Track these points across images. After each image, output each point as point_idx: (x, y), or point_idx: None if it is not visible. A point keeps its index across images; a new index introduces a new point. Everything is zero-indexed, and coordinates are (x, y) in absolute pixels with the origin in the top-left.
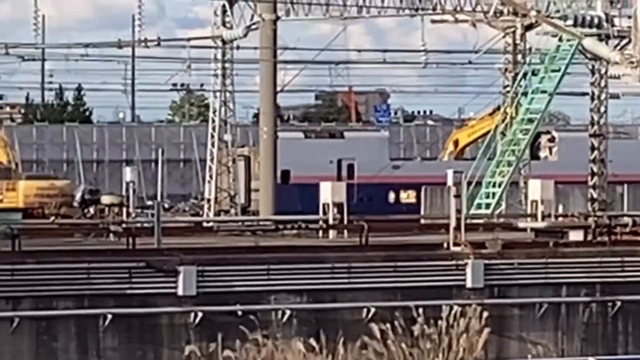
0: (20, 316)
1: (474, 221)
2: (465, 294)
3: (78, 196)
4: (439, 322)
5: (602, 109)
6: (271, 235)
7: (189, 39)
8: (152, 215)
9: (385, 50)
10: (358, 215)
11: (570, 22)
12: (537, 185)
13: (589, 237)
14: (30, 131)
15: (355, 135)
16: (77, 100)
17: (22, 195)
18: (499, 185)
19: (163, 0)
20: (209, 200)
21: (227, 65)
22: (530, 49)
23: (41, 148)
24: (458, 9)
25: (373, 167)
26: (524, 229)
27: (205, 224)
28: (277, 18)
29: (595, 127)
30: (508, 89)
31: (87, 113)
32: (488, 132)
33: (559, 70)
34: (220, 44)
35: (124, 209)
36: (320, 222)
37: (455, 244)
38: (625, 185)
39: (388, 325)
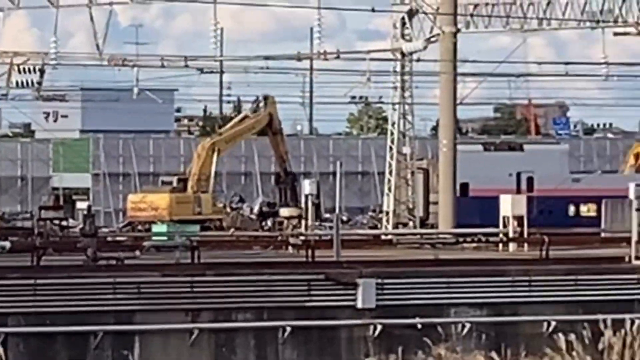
0: (200, 328)
1: None
2: None
3: (256, 208)
4: (622, 336)
5: None
6: (451, 248)
7: (368, 52)
8: (331, 227)
9: (566, 63)
10: (538, 228)
11: None
12: None
13: None
14: None
15: (535, 148)
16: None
17: None
18: None
19: (344, 12)
20: (387, 213)
21: (406, 77)
22: None
23: (220, 161)
24: None
25: (553, 180)
26: None
27: (384, 237)
28: (457, 30)
29: None
30: None
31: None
32: None
33: None
34: (399, 56)
35: (303, 222)
36: (500, 235)
37: (637, 258)
38: None
39: (569, 338)
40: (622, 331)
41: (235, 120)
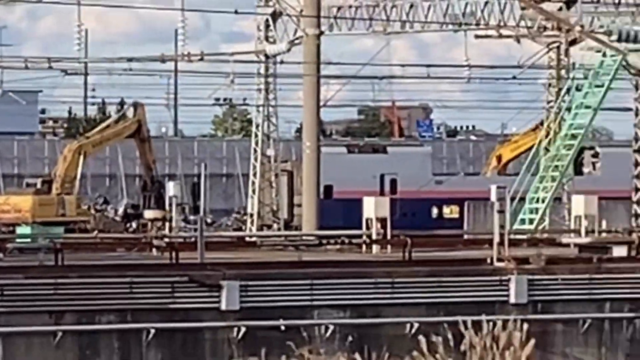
0: (63, 330)
1: (518, 237)
2: (508, 309)
3: (121, 210)
4: (483, 337)
5: None
6: (314, 250)
7: (232, 54)
8: (195, 229)
9: (428, 65)
10: (401, 230)
11: (614, 37)
12: (580, 200)
13: (633, 253)
14: None
15: (398, 151)
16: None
17: None
18: (543, 201)
19: (208, 14)
20: (251, 215)
21: (270, 79)
22: (574, 64)
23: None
24: (502, 24)
25: (416, 182)
26: (568, 245)
27: (248, 239)
28: (321, 33)
29: None
30: (552, 104)
31: None
32: (531, 147)
33: (602, 86)
34: (263, 58)
35: (167, 224)
36: (364, 237)
37: (499, 260)
38: None
39: (432, 340)
40: (484, 332)
41: (104, 125)
